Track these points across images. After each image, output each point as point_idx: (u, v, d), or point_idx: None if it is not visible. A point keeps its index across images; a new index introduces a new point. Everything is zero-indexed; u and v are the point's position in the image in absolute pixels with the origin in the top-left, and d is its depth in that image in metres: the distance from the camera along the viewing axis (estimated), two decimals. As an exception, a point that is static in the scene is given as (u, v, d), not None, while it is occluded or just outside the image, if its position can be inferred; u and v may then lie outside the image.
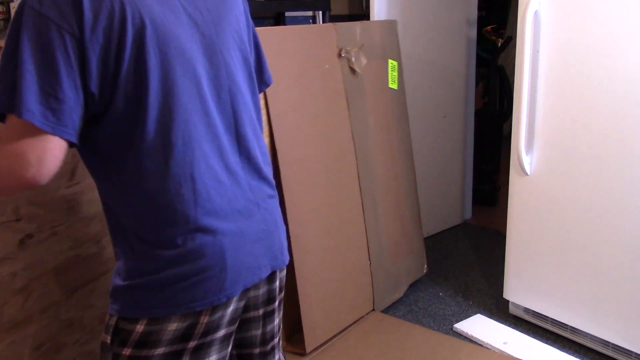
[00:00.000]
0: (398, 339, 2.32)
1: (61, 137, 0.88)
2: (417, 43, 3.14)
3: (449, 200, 3.52)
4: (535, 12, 2.14)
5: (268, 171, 1.17)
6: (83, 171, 1.26)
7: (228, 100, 1.06)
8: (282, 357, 1.31)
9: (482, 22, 3.77)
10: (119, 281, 1.03)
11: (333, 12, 3.54)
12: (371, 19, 2.93)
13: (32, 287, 1.21)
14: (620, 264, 2.06)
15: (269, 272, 1.12)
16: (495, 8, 4.87)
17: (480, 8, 3.57)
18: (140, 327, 1.00)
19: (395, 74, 2.65)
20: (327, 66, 2.29)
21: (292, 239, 2.09)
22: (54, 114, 0.86)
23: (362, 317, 2.46)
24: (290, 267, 2.12)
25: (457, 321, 2.51)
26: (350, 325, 2.40)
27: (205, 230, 1.00)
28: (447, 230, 3.54)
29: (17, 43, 0.86)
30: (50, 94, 0.86)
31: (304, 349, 2.17)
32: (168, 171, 0.96)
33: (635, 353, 2.08)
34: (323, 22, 3.48)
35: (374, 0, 2.90)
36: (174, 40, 0.96)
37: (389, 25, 2.67)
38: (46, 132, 0.86)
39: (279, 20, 3.38)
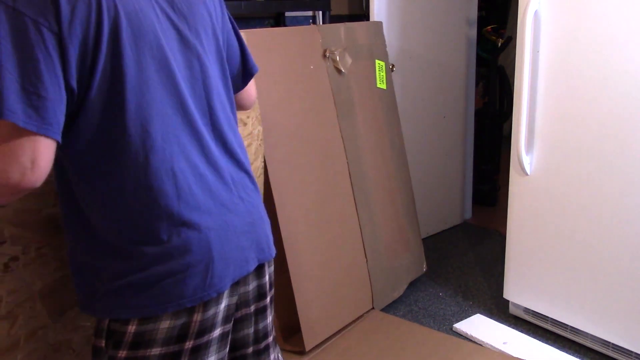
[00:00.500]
0: (398, 339, 2.32)
1: (46, 136, 0.85)
2: (417, 43, 3.14)
3: (449, 200, 3.53)
4: (535, 12, 2.14)
5: (248, 164, 1.16)
6: None
7: (203, 95, 1.05)
8: (279, 357, 1.30)
9: (482, 22, 3.77)
10: (99, 284, 1.00)
11: (333, 12, 3.54)
12: (371, 19, 2.93)
13: (18, 312, 1.16)
14: (620, 263, 2.06)
15: (256, 264, 1.11)
16: (495, 8, 4.86)
17: (480, 8, 3.57)
18: (132, 328, 0.99)
19: (383, 74, 2.66)
20: (312, 67, 2.31)
21: (283, 238, 2.10)
22: (37, 113, 0.83)
23: (361, 315, 2.46)
24: (285, 266, 2.13)
25: (457, 321, 2.51)
26: (350, 324, 2.40)
27: (189, 225, 0.99)
28: (447, 230, 3.54)
29: None
30: (32, 92, 0.83)
31: (304, 347, 2.17)
32: (149, 167, 0.95)
33: (635, 353, 2.08)
34: (323, 22, 3.48)
35: (373, 1, 2.91)
36: (148, 34, 0.95)
37: (375, 27, 2.68)
38: (32, 133, 0.83)
39: (279, 20, 3.39)
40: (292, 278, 2.13)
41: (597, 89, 2.02)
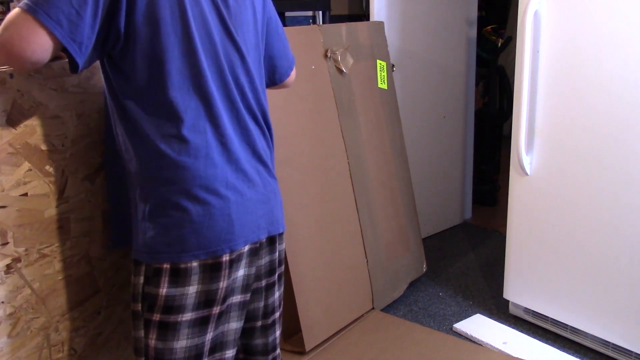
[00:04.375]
0: (398, 338, 2.32)
1: (62, 43, 0.96)
2: (417, 43, 3.14)
3: (449, 200, 3.53)
4: (535, 12, 2.14)
5: (266, 155, 1.23)
6: (72, 188, 1.25)
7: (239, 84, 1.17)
8: (278, 341, 1.35)
9: (482, 22, 3.77)
10: (143, 222, 1.09)
11: (333, 12, 3.54)
12: (371, 19, 2.93)
13: (20, 313, 1.17)
14: (620, 264, 2.06)
15: (266, 234, 1.18)
16: (495, 8, 4.86)
17: (480, 8, 3.57)
18: (163, 290, 1.06)
19: (385, 74, 2.67)
20: (313, 67, 2.31)
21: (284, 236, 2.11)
22: (69, 26, 0.96)
23: (362, 315, 2.46)
24: (285, 266, 2.13)
25: (457, 321, 2.51)
26: (351, 323, 2.40)
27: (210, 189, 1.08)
28: (447, 230, 3.54)
29: None
30: (74, 10, 0.96)
31: (304, 347, 2.17)
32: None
33: (635, 353, 2.08)
34: (323, 22, 3.48)
35: (373, 1, 2.91)
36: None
37: (376, 27, 2.69)
38: (53, 35, 0.95)
39: (279, 20, 3.38)
40: (292, 278, 2.13)
41: (597, 88, 2.02)
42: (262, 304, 1.25)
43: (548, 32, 2.14)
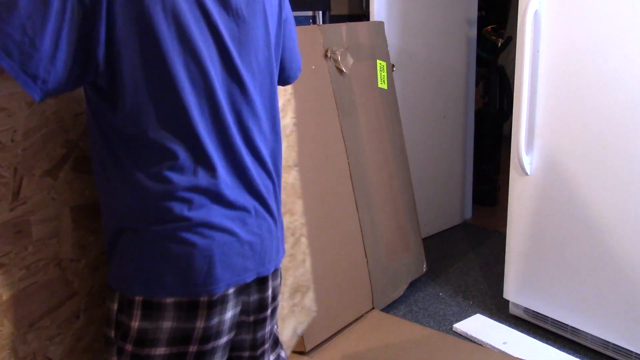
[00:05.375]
0: (398, 339, 2.32)
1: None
2: (417, 43, 3.14)
3: (449, 200, 3.53)
4: (535, 12, 2.14)
5: (273, 167, 1.16)
6: (30, 187, 1.12)
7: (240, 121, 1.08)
8: (280, 356, 1.31)
9: (482, 22, 3.77)
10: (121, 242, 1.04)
11: (333, 12, 3.54)
12: (371, 19, 2.93)
13: None
14: (620, 264, 2.06)
15: (254, 277, 1.10)
16: (495, 8, 4.86)
17: (480, 8, 3.57)
18: (135, 323, 1.01)
19: (385, 74, 2.67)
20: (313, 67, 2.31)
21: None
22: (20, 57, 0.85)
23: (362, 315, 2.46)
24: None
25: (457, 321, 2.51)
26: (351, 323, 2.40)
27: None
28: (447, 230, 3.54)
29: None
30: (28, 38, 0.84)
31: (304, 347, 2.17)
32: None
33: (635, 353, 2.08)
34: (323, 22, 3.48)
35: (373, 1, 2.91)
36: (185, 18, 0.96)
37: (376, 27, 2.68)
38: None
39: (279, 20, 3.38)
40: (292, 278, 2.13)
41: (597, 88, 2.02)
42: (249, 337, 1.19)
43: (548, 32, 2.14)
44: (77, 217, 1.21)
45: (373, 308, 2.52)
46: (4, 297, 1.11)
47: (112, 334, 1.06)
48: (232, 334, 1.11)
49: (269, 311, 1.20)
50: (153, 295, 1.01)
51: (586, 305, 2.20)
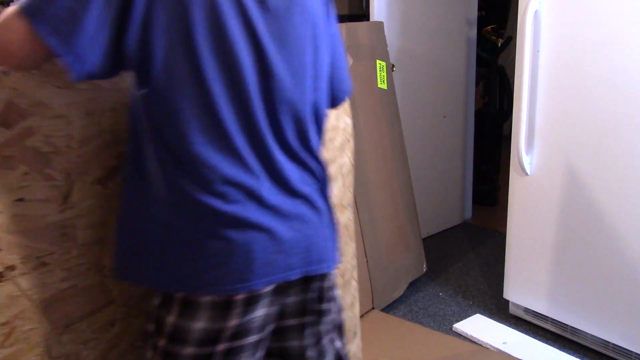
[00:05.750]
0: (398, 339, 2.32)
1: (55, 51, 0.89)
2: (417, 43, 3.14)
3: (449, 200, 3.53)
4: (535, 12, 2.14)
5: (318, 168, 1.14)
6: (79, 194, 1.16)
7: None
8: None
9: (482, 22, 3.77)
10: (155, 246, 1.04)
11: (333, 12, 3.53)
12: (371, 19, 2.93)
13: (15, 322, 1.10)
14: (620, 264, 2.06)
15: (299, 276, 1.08)
16: (495, 8, 4.86)
17: (480, 8, 3.57)
18: (171, 318, 1.02)
19: (384, 74, 2.66)
20: None
21: None
22: (66, 37, 0.88)
23: (362, 315, 2.46)
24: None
25: (457, 321, 2.51)
26: (350, 325, 2.40)
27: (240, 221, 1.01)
28: (447, 230, 3.54)
29: None
30: (71, 14, 0.88)
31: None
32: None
33: (635, 353, 2.08)
34: (323, 22, 3.48)
35: (373, 1, 2.91)
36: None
37: (376, 27, 2.68)
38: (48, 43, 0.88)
39: (279, 20, 3.38)
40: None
41: (597, 88, 2.02)
42: (297, 343, 1.15)
43: (548, 32, 2.13)
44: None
45: (373, 308, 2.52)
46: (44, 296, 1.14)
47: (151, 327, 1.07)
48: (264, 334, 1.09)
49: (316, 316, 1.16)
50: (191, 292, 1.01)
51: (586, 305, 2.20)
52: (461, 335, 2.41)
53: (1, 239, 1.07)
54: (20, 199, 1.08)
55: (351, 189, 1.89)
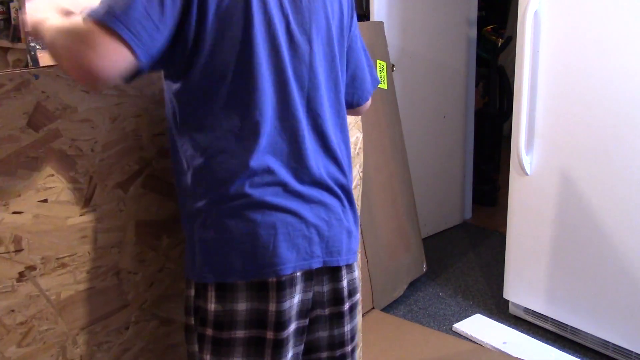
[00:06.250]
0: (398, 338, 2.32)
1: (135, 53, 0.90)
2: (417, 43, 3.14)
3: (449, 200, 3.53)
4: (535, 12, 2.14)
5: (346, 165, 1.15)
6: (100, 197, 1.18)
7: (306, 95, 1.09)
8: None
9: (482, 22, 3.77)
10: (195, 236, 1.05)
11: (333, 12, 3.53)
12: (371, 18, 2.93)
13: (32, 322, 1.12)
14: (620, 264, 2.06)
15: (320, 265, 1.08)
16: (495, 8, 4.86)
17: (480, 8, 3.57)
18: (212, 306, 1.02)
19: (384, 74, 2.67)
20: None
21: None
22: (143, 38, 0.90)
23: (362, 315, 2.46)
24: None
25: (457, 321, 2.51)
26: (350, 325, 2.40)
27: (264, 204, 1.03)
28: (447, 230, 3.54)
29: None
30: (151, 20, 0.89)
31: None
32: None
33: (635, 353, 2.08)
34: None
35: (373, 1, 2.91)
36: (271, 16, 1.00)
37: (376, 27, 2.68)
38: (129, 48, 0.88)
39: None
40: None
41: (597, 88, 2.02)
42: (326, 334, 1.14)
43: (548, 32, 2.14)
44: (140, 232, 1.25)
45: (373, 308, 2.52)
46: (62, 297, 1.16)
47: (192, 320, 1.06)
48: (303, 321, 1.09)
49: (347, 307, 1.16)
50: (224, 279, 1.02)
51: (586, 305, 2.20)
52: (461, 335, 2.41)
53: (23, 239, 1.09)
54: (44, 200, 1.10)
55: (359, 204, 1.89)
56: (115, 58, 0.87)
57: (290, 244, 1.03)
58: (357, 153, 1.83)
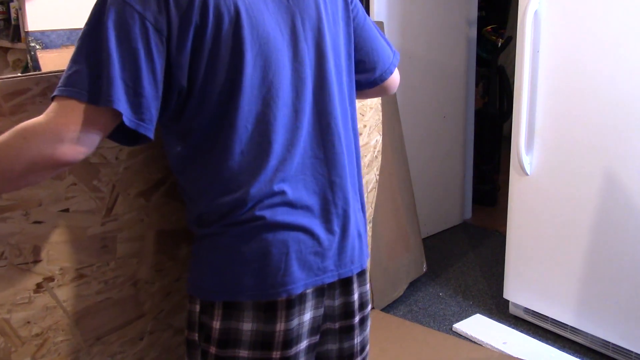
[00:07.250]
0: (398, 338, 2.32)
1: (139, 132, 0.88)
2: (417, 43, 3.14)
3: (449, 200, 3.53)
4: (535, 12, 2.14)
5: (354, 173, 1.13)
6: (122, 207, 1.15)
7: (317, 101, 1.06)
8: None
9: (482, 22, 3.77)
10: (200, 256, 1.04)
11: (333, 12, 3.54)
12: (371, 18, 2.93)
13: (48, 334, 1.10)
14: (620, 263, 2.06)
15: (335, 278, 1.07)
16: (495, 8, 4.86)
17: (480, 8, 3.57)
18: (217, 323, 1.00)
19: None
20: None
21: None
22: (135, 109, 0.87)
23: (362, 316, 2.47)
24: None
25: (457, 321, 2.51)
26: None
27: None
28: (447, 230, 3.54)
29: (101, 31, 0.85)
30: (131, 87, 0.86)
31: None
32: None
33: (635, 353, 2.08)
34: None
35: (373, 1, 2.91)
36: (264, 27, 0.96)
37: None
38: (101, 110, 0.85)
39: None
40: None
41: (597, 88, 2.02)
42: (336, 346, 1.12)
43: (548, 32, 2.14)
44: (160, 241, 1.23)
45: (373, 308, 2.52)
46: (79, 308, 1.13)
47: (196, 336, 1.04)
48: (315, 338, 1.08)
49: (357, 319, 1.14)
50: (234, 298, 1.00)
51: (586, 305, 2.20)
52: (461, 335, 2.41)
53: (43, 250, 1.06)
54: (66, 210, 1.08)
55: (373, 205, 1.88)
56: (95, 130, 0.89)
57: (302, 263, 1.01)
58: (376, 156, 1.80)
